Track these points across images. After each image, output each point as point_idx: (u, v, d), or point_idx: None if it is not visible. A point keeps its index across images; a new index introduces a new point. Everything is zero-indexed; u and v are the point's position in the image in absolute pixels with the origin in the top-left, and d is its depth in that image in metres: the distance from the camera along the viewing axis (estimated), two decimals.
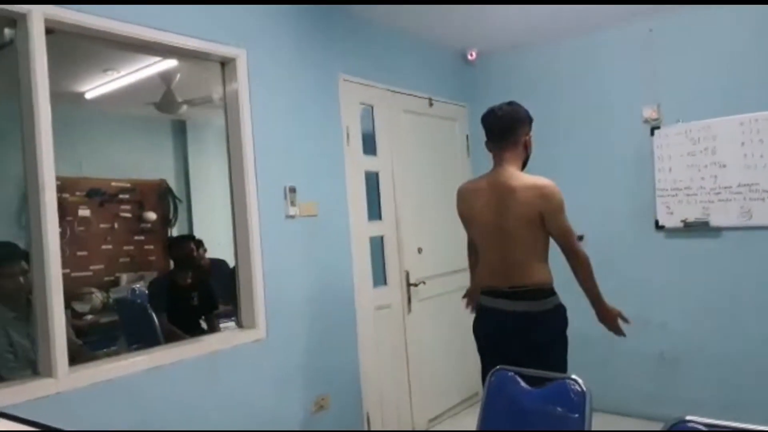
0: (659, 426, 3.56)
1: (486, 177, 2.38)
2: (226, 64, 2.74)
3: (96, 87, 4.61)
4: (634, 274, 3.68)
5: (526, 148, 2.38)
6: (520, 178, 2.28)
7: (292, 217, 2.89)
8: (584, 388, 1.64)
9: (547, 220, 2.25)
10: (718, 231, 3.39)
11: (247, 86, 2.73)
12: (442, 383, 3.79)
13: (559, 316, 2.29)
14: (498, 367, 1.88)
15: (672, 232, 3.54)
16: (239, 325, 2.74)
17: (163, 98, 4.45)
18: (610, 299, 3.72)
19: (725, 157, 3.33)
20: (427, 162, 3.87)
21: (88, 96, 4.73)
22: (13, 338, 2.82)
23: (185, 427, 2.36)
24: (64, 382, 2.02)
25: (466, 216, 2.47)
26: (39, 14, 2.06)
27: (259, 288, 2.70)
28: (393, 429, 3.42)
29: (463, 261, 2.75)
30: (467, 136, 4.25)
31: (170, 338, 3.76)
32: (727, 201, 3.34)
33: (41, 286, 2.04)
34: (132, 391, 2.20)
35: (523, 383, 1.79)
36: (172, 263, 4.39)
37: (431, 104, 3.97)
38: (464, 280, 2.47)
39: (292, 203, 2.88)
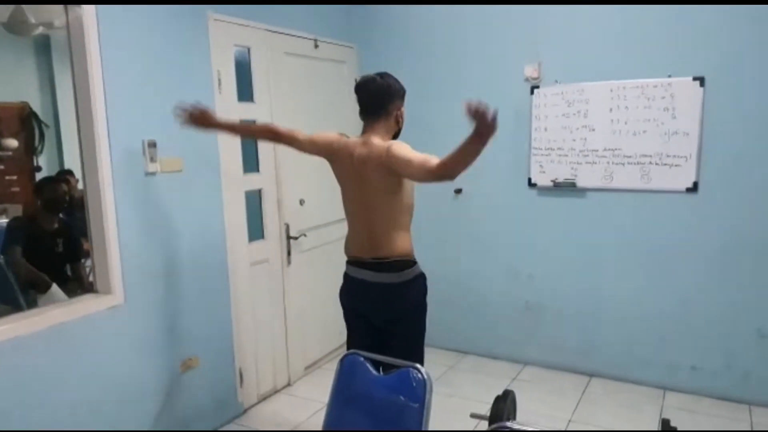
0: (521, 367, 3.89)
1: (352, 146, 2.30)
2: (68, 3, 2.39)
3: None
4: (507, 229, 3.85)
5: (398, 121, 2.32)
6: (379, 146, 2.21)
7: (153, 173, 2.69)
8: (425, 377, 1.70)
9: (396, 167, 2.10)
10: (583, 191, 3.58)
11: (95, 30, 2.41)
12: (322, 331, 3.86)
13: (419, 285, 2.35)
14: (349, 351, 1.92)
15: (543, 190, 3.71)
16: (94, 290, 2.57)
17: (11, 17, 3.88)
18: (485, 251, 3.93)
19: (595, 121, 3.47)
20: (313, 108, 3.71)
21: None
22: None
23: (35, 407, 2.23)
24: None
25: (339, 180, 2.42)
26: None
27: (114, 251, 2.53)
28: (268, 380, 3.46)
29: None
30: (356, 79, 4.09)
31: (34, 284, 3.51)
32: (593, 164, 3.51)
33: None
34: None
35: (371, 368, 1.83)
36: (38, 203, 4.01)
37: (317, 45, 3.76)
38: (345, 230, 2.44)
39: (152, 159, 2.67)
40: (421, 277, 2.37)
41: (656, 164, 3.33)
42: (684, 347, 3.43)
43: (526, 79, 3.64)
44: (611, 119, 3.42)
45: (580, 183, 3.56)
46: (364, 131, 2.31)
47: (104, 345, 2.51)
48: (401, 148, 2.15)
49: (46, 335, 2.30)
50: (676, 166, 3.28)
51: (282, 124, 3.44)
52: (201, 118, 2.45)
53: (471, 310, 4.05)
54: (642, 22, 3.30)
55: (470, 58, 3.80)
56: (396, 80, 2.32)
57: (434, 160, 1.99)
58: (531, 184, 3.72)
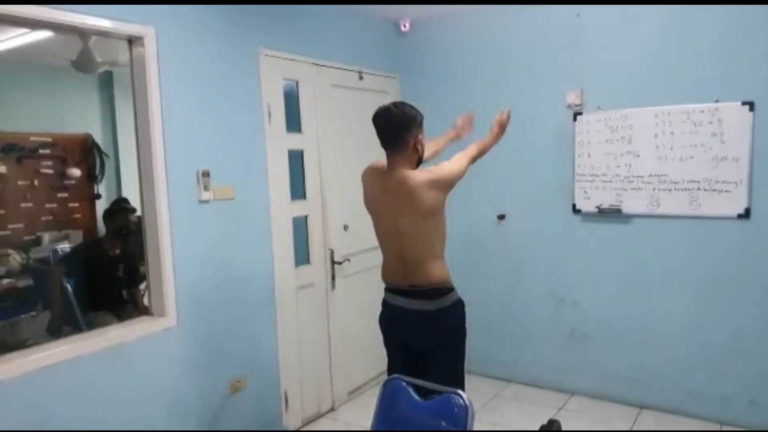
0: (568, 396, 3.82)
1: (382, 176, 2.36)
2: (133, 41, 2.58)
3: (5, 40, 4.27)
4: (551, 255, 3.83)
5: (417, 149, 2.33)
6: (410, 175, 2.27)
7: (206, 201, 2.83)
8: (467, 403, 1.71)
9: (444, 180, 2.30)
10: (629, 217, 3.54)
11: (156, 67, 2.59)
12: (364, 356, 3.89)
13: (456, 312, 2.37)
14: (392, 376, 1.96)
15: (587, 216, 3.67)
16: (149, 313, 2.71)
17: (80, 56, 4.17)
18: (528, 277, 3.91)
19: (639, 147, 3.44)
20: (357, 136, 3.81)
21: None
22: None
23: (92, 425, 2.35)
24: None
25: (369, 210, 2.48)
26: None
27: (169, 276, 2.66)
28: (312, 404, 3.51)
29: None
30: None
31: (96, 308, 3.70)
32: (638, 189, 3.47)
33: None
34: (27, 393, 2.16)
35: (413, 394, 1.86)
36: (105, 231, 4.23)
37: (361, 77, 3.89)
38: None
39: (206, 187, 2.81)
40: (459, 304, 2.38)
41: (705, 190, 3.27)
42: (740, 380, 3.29)
43: (569, 106, 3.65)
44: (657, 145, 3.39)
45: (626, 209, 3.52)
46: (389, 162, 2.34)
47: (157, 365, 2.63)
48: (448, 168, 2.31)
49: (104, 355, 2.43)
50: (726, 192, 3.21)
51: (326, 151, 3.58)
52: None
53: (514, 337, 4.01)
54: (686, 47, 3.27)
55: (512, 85, 3.84)
56: (412, 108, 2.34)
57: (466, 157, 2.42)
58: (575, 210, 3.70)
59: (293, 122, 3.39)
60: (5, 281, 4.57)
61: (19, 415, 2.14)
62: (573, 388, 3.82)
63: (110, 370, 2.44)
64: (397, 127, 2.28)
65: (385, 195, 2.33)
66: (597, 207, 3.61)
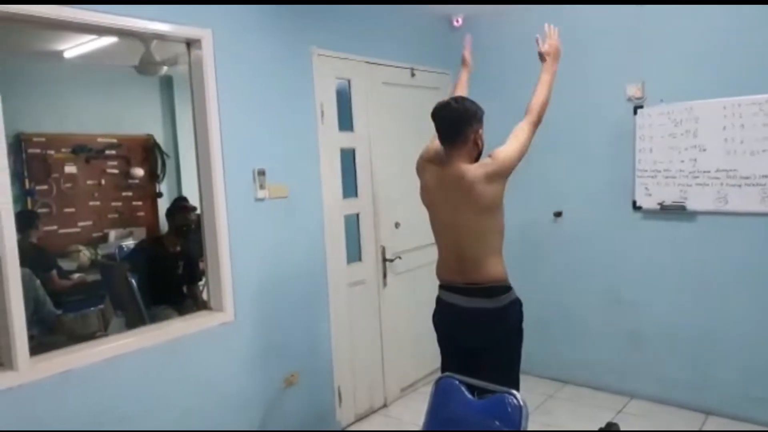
0: (627, 399, 3.68)
1: (440, 169, 2.33)
2: (191, 44, 2.67)
3: (75, 46, 4.51)
4: (608, 253, 3.70)
5: (477, 144, 2.30)
6: (467, 170, 2.23)
7: (262, 199, 2.89)
8: (521, 403, 1.68)
9: (500, 168, 2.22)
10: (693, 215, 3.38)
11: (213, 68, 2.66)
12: (416, 353, 3.89)
13: (514, 312, 2.31)
14: (445, 374, 1.94)
15: (649, 213, 3.53)
16: (207, 308, 2.79)
17: (142, 60, 4.35)
18: (585, 276, 3.79)
19: (706, 141, 3.28)
20: (408, 134, 3.80)
21: (67, 55, 4.63)
22: None
23: (153, 414, 2.45)
24: (25, 373, 2.08)
25: (426, 204, 2.46)
26: None
27: (227, 272, 2.73)
28: (365, 400, 3.54)
29: None
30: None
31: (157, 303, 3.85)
32: (704, 185, 3.31)
33: None
34: (95, 381, 2.27)
35: (466, 392, 1.84)
36: (167, 228, 4.40)
37: (413, 74, 3.87)
38: None
39: (261, 186, 2.87)
40: (517, 303, 2.33)
41: None
42: None
43: (629, 99, 3.52)
44: (725, 138, 3.22)
45: (691, 206, 3.37)
46: (447, 156, 2.31)
47: (215, 358, 2.71)
48: (503, 153, 2.23)
49: (165, 347, 2.53)
50: None
51: (378, 149, 3.59)
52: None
53: (570, 337, 3.91)
54: (757, 33, 3.09)
55: (568, 78, 3.69)
56: (473, 103, 2.31)
57: (525, 126, 2.31)
58: (636, 207, 3.57)
59: (345, 121, 3.42)
60: (76, 276, 4.82)
61: (88, 402, 2.26)
62: (633, 391, 3.69)
63: (171, 361, 2.54)
64: (457, 122, 2.25)
65: (441, 189, 2.31)
66: (659, 204, 3.47)
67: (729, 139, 3.21)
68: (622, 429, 2.52)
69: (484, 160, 2.27)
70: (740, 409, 3.30)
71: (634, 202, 3.57)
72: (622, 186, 3.60)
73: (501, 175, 2.23)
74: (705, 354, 3.41)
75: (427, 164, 2.43)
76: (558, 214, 3.88)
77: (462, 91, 2.68)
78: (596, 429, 2.48)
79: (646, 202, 3.53)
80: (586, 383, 3.85)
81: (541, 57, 2.51)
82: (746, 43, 3.13)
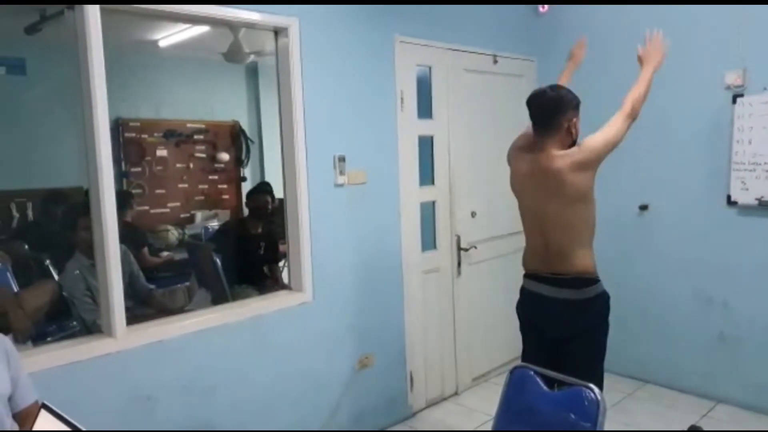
0: (713, 404, 3.50)
1: (530, 158, 2.29)
2: (278, 32, 2.75)
3: (169, 35, 4.76)
4: (699, 250, 3.51)
5: (571, 133, 2.24)
6: (556, 157, 2.18)
7: (341, 185, 2.95)
8: (599, 398, 1.64)
9: (589, 158, 2.17)
10: None
11: (298, 56, 2.74)
12: (489, 344, 3.86)
13: (600, 304, 2.26)
14: (520, 364, 1.92)
15: (745, 209, 3.31)
16: (287, 288, 2.90)
17: (230, 48, 4.52)
18: (673, 273, 3.62)
19: None
20: (490, 122, 3.77)
21: (162, 44, 4.90)
22: (90, 283, 3.15)
23: (234, 385, 2.58)
24: (122, 341, 2.26)
25: (515, 191, 2.43)
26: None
27: (307, 254, 2.82)
28: (436, 387, 3.56)
29: (519, 224, 2.53)
30: None
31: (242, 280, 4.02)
32: None
33: (99, 245, 2.22)
34: (183, 352, 2.43)
35: (541, 383, 1.82)
36: (246, 211, 4.60)
37: (495, 61, 3.81)
38: (519, 243, 2.47)
39: (341, 172, 2.93)
40: (603, 296, 2.27)
41: None
42: None
43: (728, 87, 3.30)
44: None
45: None
46: (540, 144, 2.27)
47: (293, 337, 2.82)
48: (593, 141, 2.18)
49: (246, 324, 2.65)
50: None
51: (457, 137, 3.57)
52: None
53: (654, 335, 3.75)
54: None
55: (663, 66, 3.54)
56: (569, 91, 2.27)
57: (619, 118, 2.24)
58: (730, 202, 3.35)
59: (424, 108, 3.42)
60: (165, 254, 5.12)
61: (177, 370, 2.42)
62: (720, 396, 3.49)
63: (251, 337, 2.66)
64: (551, 110, 2.22)
65: (531, 177, 2.27)
66: (757, 199, 3.25)
67: None
68: None
69: (573, 149, 2.21)
70: None
71: (729, 197, 3.36)
72: (716, 179, 3.39)
73: (589, 164, 2.17)
74: None
75: (517, 151, 2.40)
76: (644, 207, 3.72)
77: (563, 83, 2.58)
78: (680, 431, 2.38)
79: (743, 197, 3.31)
80: (668, 384, 3.68)
81: (640, 61, 2.47)
82: None
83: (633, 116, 2.26)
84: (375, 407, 3.19)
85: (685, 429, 2.29)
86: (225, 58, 4.72)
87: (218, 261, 4.05)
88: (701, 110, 3.41)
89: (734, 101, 3.28)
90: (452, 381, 3.68)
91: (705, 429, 2.31)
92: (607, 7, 3.72)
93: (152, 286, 3.82)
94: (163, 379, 2.37)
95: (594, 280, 2.25)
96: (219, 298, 3.81)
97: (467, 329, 3.73)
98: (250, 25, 2.69)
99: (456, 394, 3.70)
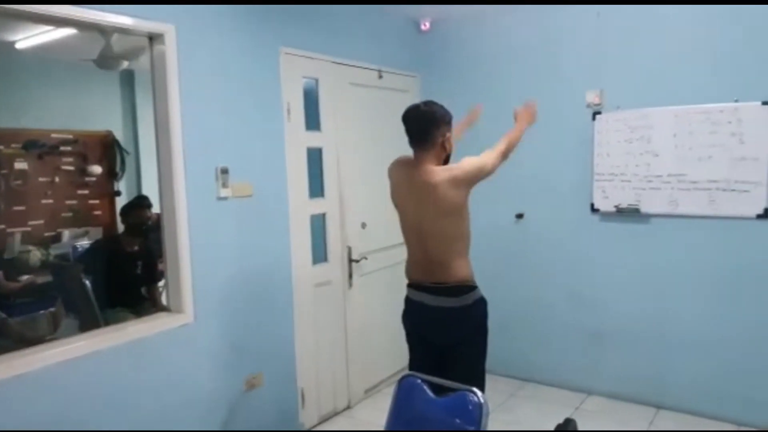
0: (585, 396, 3.78)
1: (408, 172, 2.38)
2: (153, 39, 2.61)
3: (28, 37, 4.35)
4: (569, 254, 3.80)
5: (445, 147, 2.37)
6: (433, 172, 2.29)
7: (225, 198, 2.85)
8: (482, 401, 1.71)
9: (475, 178, 2.32)
10: (647, 217, 3.50)
11: (176, 65, 2.62)
12: (381, 354, 3.90)
13: (479, 310, 2.39)
14: (407, 373, 1.96)
15: (606, 215, 3.65)
16: (167, 309, 2.74)
17: (102, 54, 4.23)
18: (546, 276, 3.88)
19: (658, 147, 3.41)
20: (377, 135, 3.83)
21: (19, 46, 4.47)
22: None
23: (110, 418, 2.38)
24: None
25: (396, 205, 2.50)
26: None
27: (186, 272, 2.68)
28: (328, 402, 3.53)
29: None
30: None
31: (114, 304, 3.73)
32: (657, 189, 3.44)
33: None
34: (48, 386, 2.20)
35: (428, 391, 1.86)
36: (122, 227, 4.29)
37: (381, 76, 3.89)
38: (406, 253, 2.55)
39: (224, 185, 2.83)
40: (482, 302, 2.40)
41: (724, 190, 3.23)
42: (760, 380, 3.25)
43: (588, 105, 3.63)
44: (675, 144, 3.35)
45: (644, 209, 3.49)
46: (416, 159, 2.38)
47: (175, 360, 2.66)
48: (469, 163, 2.30)
49: (122, 350, 2.46)
50: (745, 192, 3.17)
51: (346, 149, 3.59)
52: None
53: (532, 336, 3.99)
54: (706, 46, 3.24)
55: (532, 84, 3.82)
56: (441, 107, 2.38)
57: (494, 152, 2.41)
58: (593, 210, 3.67)
59: (312, 120, 3.41)
60: (25, 277, 4.62)
61: (39, 407, 2.18)
62: (591, 388, 3.79)
63: (128, 365, 2.48)
64: (426, 125, 2.32)
65: (409, 191, 2.36)
66: (615, 206, 3.59)
67: (679, 145, 3.35)
68: (578, 425, 2.60)
69: (452, 165, 2.33)
70: (691, 402, 3.44)
71: (592, 205, 3.68)
72: (582, 189, 3.71)
73: (463, 182, 2.29)
74: (659, 350, 3.54)
75: (397, 166, 2.49)
76: (520, 216, 3.96)
77: (457, 134, 2.65)
78: (554, 426, 2.54)
79: (604, 205, 3.64)
80: (547, 381, 3.93)
81: (515, 118, 2.68)
82: (697, 53, 3.27)
83: (505, 156, 2.45)
84: (266, 426, 3.10)
85: (561, 422, 2.45)
86: (96, 64, 4.40)
87: (88, 283, 3.74)
88: (568, 126, 3.71)
89: (594, 118, 3.60)
90: (345, 395, 3.67)
91: (575, 420, 2.49)
92: (488, 27, 3.96)
93: (3, 315, 3.43)
94: (25, 418, 2.13)
95: (472, 287, 2.37)
96: (89, 323, 3.51)
97: (359, 341, 3.75)
98: (122, 30, 2.53)
99: (349, 407, 3.69)
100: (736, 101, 3.16)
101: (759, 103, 3.10)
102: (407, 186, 2.36)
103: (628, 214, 3.54)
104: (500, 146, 2.45)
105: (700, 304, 3.39)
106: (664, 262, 3.48)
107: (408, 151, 2.42)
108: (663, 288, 3.50)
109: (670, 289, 3.48)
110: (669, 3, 3.29)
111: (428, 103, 2.38)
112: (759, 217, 3.15)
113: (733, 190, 3.20)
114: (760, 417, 3.25)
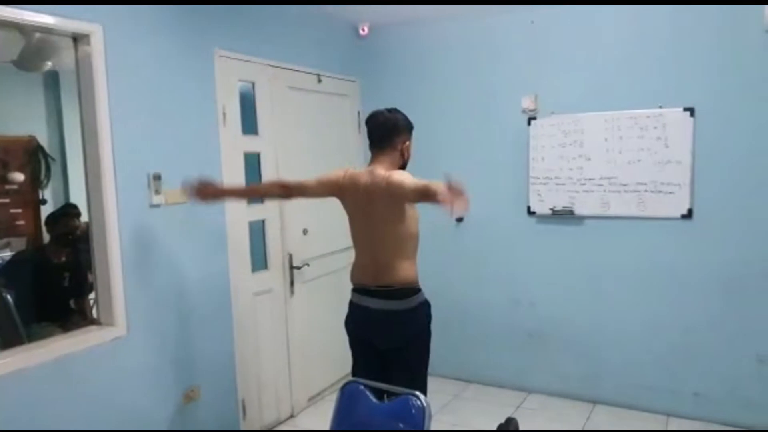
0: (525, 395, 3.86)
1: (359, 176, 2.40)
2: (78, 39, 2.49)
3: None
4: (508, 257, 3.89)
5: (403, 155, 2.43)
6: (385, 174, 2.31)
7: (158, 205, 2.74)
8: (425, 404, 1.71)
9: (393, 191, 2.22)
10: (581, 219, 3.63)
11: (103, 67, 2.50)
12: (324, 361, 3.86)
13: (422, 312, 2.41)
14: (350, 380, 1.94)
15: (542, 218, 3.75)
16: (97, 322, 2.60)
17: (22, 54, 3.99)
18: (485, 279, 3.95)
19: (590, 151, 3.54)
20: (316, 140, 3.80)
21: None
22: None
23: None
24: None
25: (347, 209, 2.50)
26: None
27: (118, 283, 2.56)
28: (271, 411, 3.45)
29: (349, 240, 2.55)
30: (359, 112, 4.20)
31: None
32: (590, 192, 3.57)
33: None
34: None
35: (371, 396, 1.84)
36: (49, 237, 4.05)
37: (320, 80, 3.86)
38: (351, 258, 2.51)
39: (157, 191, 2.72)
40: (425, 305, 2.42)
41: (651, 192, 3.39)
42: (687, 374, 3.43)
43: (524, 111, 3.72)
44: (606, 149, 3.49)
45: (578, 211, 3.61)
46: (372, 162, 2.42)
47: (108, 376, 2.53)
48: (400, 175, 2.28)
49: (50, 367, 2.32)
50: (670, 193, 3.34)
51: (285, 154, 3.54)
52: (205, 191, 2.52)
53: (474, 338, 4.06)
54: (633, 54, 3.40)
55: (469, 89, 3.89)
56: (405, 116, 2.45)
57: (416, 187, 2.11)
58: (530, 213, 3.77)
59: (249, 124, 3.34)
60: None
61: None
62: (531, 387, 3.88)
63: (56, 383, 2.33)
64: (388, 129, 2.38)
65: (362, 194, 2.36)
66: (551, 209, 3.69)
67: (610, 149, 3.49)
68: (520, 424, 2.66)
69: (394, 171, 2.33)
70: (624, 397, 3.59)
71: (529, 208, 3.77)
72: (519, 192, 3.80)
73: (388, 192, 2.28)
74: (594, 348, 3.68)
75: (352, 172, 2.46)
76: (459, 220, 4.02)
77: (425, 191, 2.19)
78: (497, 425, 2.58)
79: (539, 208, 3.74)
80: (490, 382, 4.00)
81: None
82: (625, 61, 3.43)
83: (420, 195, 2.11)
84: None
85: (503, 422, 2.49)
86: (15, 65, 4.15)
87: (9, 297, 3.51)
88: (505, 131, 3.80)
89: (529, 123, 3.70)
90: (287, 404, 3.60)
91: (516, 419, 2.54)
92: (425, 32, 4.00)
93: None
94: None
95: (417, 290, 2.39)
96: (11, 340, 3.29)
97: (301, 349, 3.69)
98: (43, 30, 2.39)
99: (292, 416, 3.62)
100: (661, 107, 3.32)
101: (681, 109, 3.27)
102: (359, 189, 2.37)
103: (563, 216, 3.66)
104: (419, 186, 2.11)
105: (631, 302, 3.54)
106: (598, 262, 3.61)
107: (349, 156, 2.42)
108: (596, 287, 3.64)
109: (604, 287, 3.62)
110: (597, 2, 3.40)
111: (392, 110, 2.45)
112: (683, 217, 3.33)
113: (660, 191, 3.36)
114: (686, 408, 3.43)
